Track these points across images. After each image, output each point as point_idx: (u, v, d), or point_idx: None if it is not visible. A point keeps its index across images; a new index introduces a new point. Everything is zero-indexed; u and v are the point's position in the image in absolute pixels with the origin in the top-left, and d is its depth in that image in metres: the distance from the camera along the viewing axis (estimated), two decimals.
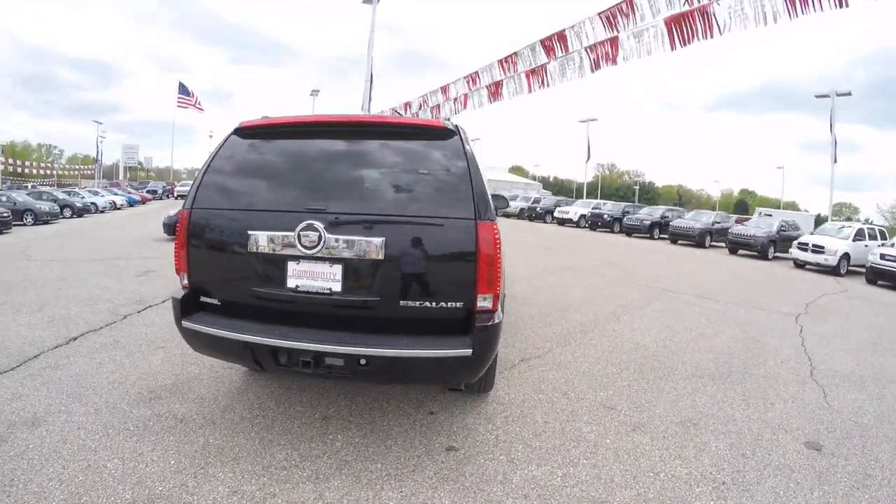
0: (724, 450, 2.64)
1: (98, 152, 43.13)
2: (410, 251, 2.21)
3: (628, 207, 22.78)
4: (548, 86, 6.24)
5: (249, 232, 2.28)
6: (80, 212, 20.73)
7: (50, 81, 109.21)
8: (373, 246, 2.16)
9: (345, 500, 2.02)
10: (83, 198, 22.73)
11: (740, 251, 15.44)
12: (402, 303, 2.19)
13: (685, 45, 5.19)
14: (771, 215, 21.51)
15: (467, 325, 2.18)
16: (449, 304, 2.19)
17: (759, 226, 16.26)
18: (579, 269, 9.34)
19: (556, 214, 24.10)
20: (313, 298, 2.24)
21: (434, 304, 2.19)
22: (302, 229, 2.18)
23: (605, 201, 27.42)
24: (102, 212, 22.79)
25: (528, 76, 6.52)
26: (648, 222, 19.52)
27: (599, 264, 10.16)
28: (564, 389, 3.37)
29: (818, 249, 12.45)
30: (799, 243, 13.33)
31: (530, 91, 6.60)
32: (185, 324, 2.38)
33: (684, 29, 5.17)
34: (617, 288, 7.44)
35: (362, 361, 2.12)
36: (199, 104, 37.97)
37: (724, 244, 16.70)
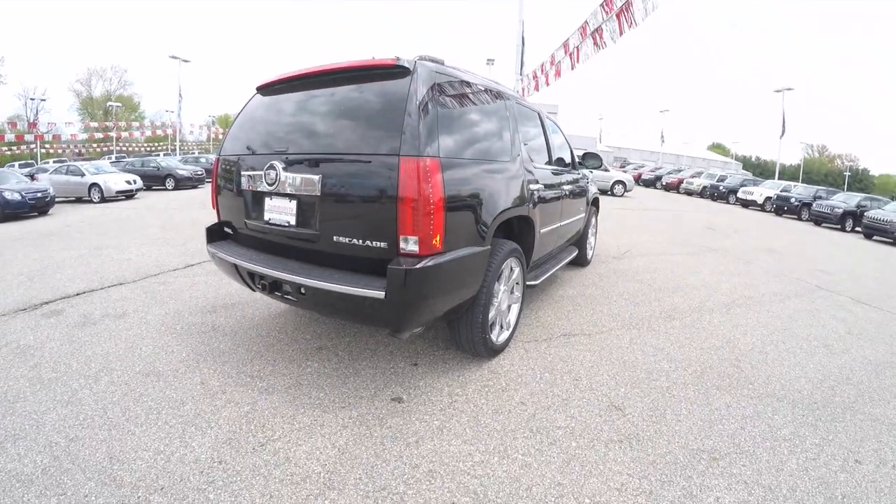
0: None
1: None
2: (341, 188, 2.45)
3: (821, 192, 19.99)
4: (635, 24, 5.43)
5: (241, 172, 2.85)
6: None
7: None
8: (310, 183, 2.49)
9: (267, 412, 2.48)
10: None
11: None
12: (335, 238, 2.47)
13: None
14: None
15: None
16: (374, 244, 2.35)
17: None
18: (727, 252, 8.11)
19: (739, 195, 22.81)
20: (279, 230, 2.73)
21: (361, 241, 2.38)
22: (266, 168, 2.66)
23: (796, 184, 24.88)
24: None
25: (618, 17, 5.79)
26: (841, 211, 17.32)
27: (755, 250, 8.73)
28: (580, 375, 3.08)
29: None
30: None
31: (621, 33, 5.84)
32: (208, 247, 3.14)
33: None
34: (757, 278, 6.28)
35: (302, 290, 2.50)
36: None
37: None
